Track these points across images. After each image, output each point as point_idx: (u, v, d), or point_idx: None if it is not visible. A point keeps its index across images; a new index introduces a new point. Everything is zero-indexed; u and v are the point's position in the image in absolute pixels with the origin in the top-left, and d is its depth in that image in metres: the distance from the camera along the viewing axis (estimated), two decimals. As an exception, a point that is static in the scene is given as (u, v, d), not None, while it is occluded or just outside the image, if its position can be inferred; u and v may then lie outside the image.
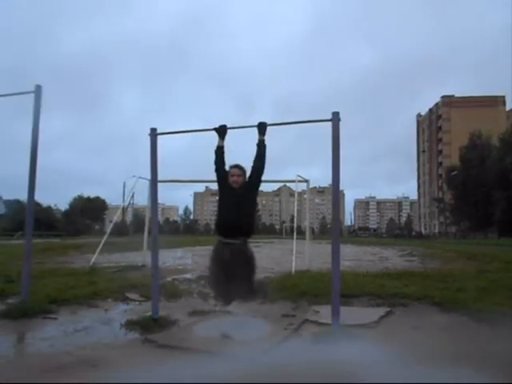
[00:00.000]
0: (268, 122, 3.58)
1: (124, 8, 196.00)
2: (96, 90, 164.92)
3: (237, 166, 3.51)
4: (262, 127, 3.51)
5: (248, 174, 3.48)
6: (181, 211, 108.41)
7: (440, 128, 75.23)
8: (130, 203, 36.26)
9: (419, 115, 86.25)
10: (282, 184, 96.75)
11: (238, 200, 3.38)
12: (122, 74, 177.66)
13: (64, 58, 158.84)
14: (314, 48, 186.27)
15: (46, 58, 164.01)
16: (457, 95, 74.66)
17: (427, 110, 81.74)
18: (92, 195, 63.84)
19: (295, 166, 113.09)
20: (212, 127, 3.63)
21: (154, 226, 4.37)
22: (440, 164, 72.53)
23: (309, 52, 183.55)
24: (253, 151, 3.47)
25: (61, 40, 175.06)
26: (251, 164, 3.47)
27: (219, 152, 3.56)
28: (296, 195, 11.16)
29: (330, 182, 3.61)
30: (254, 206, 3.65)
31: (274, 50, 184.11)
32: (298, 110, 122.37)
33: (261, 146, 3.48)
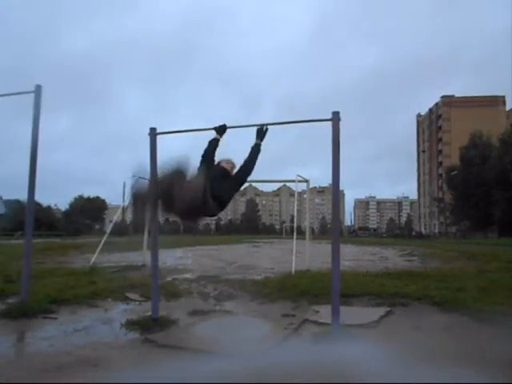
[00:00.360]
0: (270, 121, 3.55)
1: (125, 7, 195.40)
2: (97, 89, 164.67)
3: (229, 159, 3.39)
4: (260, 132, 3.42)
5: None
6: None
7: (440, 128, 75.23)
8: (130, 203, 36.23)
9: (419, 115, 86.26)
10: (282, 184, 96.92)
11: (220, 176, 3.12)
12: (124, 73, 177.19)
13: (65, 58, 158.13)
14: (316, 48, 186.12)
15: (47, 58, 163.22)
16: (457, 95, 74.72)
17: (427, 109, 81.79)
18: (93, 195, 63.97)
19: (296, 165, 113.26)
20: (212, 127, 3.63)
21: (153, 226, 4.36)
22: (440, 164, 72.54)
23: (312, 52, 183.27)
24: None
25: (62, 40, 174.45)
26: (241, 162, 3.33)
27: (214, 143, 3.42)
28: (296, 195, 11.16)
29: (330, 181, 3.61)
30: (232, 192, 3.27)
31: (277, 49, 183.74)
32: (301, 109, 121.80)
33: (255, 149, 3.38)
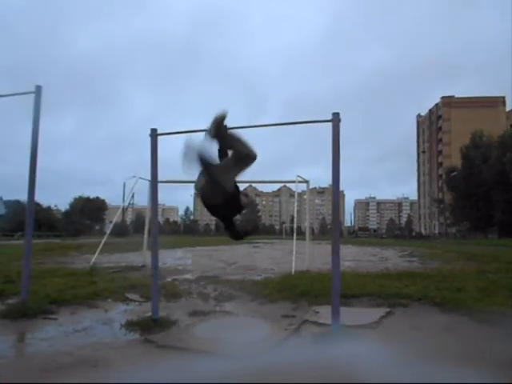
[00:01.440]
0: (277, 122, 3.53)
1: (133, 7, 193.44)
2: (102, 90, 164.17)
3: None
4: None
5: None
6: (181, 212, 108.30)
7: (440, 128, 75.22)
8: (130, 203, 36.31)
9: (419, 116, 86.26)
10: (282, 184, 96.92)
11: None
12: (130, 74, 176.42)
13: (71, 59, 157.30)
14: (321, 49, 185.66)
15: (53, 59, 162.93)
16: (457, 96, 74.68)
17: (427, 110, 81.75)
18: (93, 196, 63.92)
19: (297, 166, 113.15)
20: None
21: (153, 227, 4.36)
22: (440, 164, 72.52)
23: (316, 53, 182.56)
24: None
25: (67, 41, 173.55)
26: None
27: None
28: (296, 196, 11.16)
29: (330, 182, 3.60)
30: None
31: (285, 50, 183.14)
32: (304, 110, 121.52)
33: None
